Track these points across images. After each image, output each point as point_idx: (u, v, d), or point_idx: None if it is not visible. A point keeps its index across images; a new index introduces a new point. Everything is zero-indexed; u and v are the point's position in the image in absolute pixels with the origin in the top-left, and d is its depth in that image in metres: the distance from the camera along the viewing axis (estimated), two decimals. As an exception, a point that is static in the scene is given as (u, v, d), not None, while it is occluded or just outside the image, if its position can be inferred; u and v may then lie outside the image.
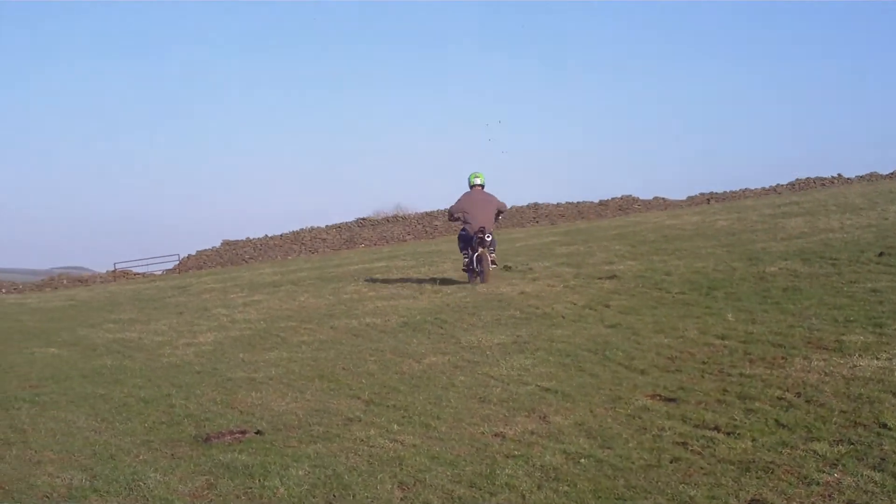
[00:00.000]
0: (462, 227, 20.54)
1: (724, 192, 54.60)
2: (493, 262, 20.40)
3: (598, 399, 10.38)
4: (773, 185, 54.54)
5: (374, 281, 23.11)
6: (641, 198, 55.76)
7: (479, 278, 20.16)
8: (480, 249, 19.94)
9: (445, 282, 21.17)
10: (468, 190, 20.82)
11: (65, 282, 51.81)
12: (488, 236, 20.00)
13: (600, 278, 18.79)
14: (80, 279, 54.02)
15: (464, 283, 20.46)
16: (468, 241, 20.31)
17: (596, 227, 33.98)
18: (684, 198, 54.83)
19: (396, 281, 22.47)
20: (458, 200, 20.70)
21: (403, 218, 57.12)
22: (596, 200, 56.23)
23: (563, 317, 15.47)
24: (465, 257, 20.65)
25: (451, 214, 21.06)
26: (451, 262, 25.52)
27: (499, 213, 20.88)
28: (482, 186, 20.83)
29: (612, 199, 55.84)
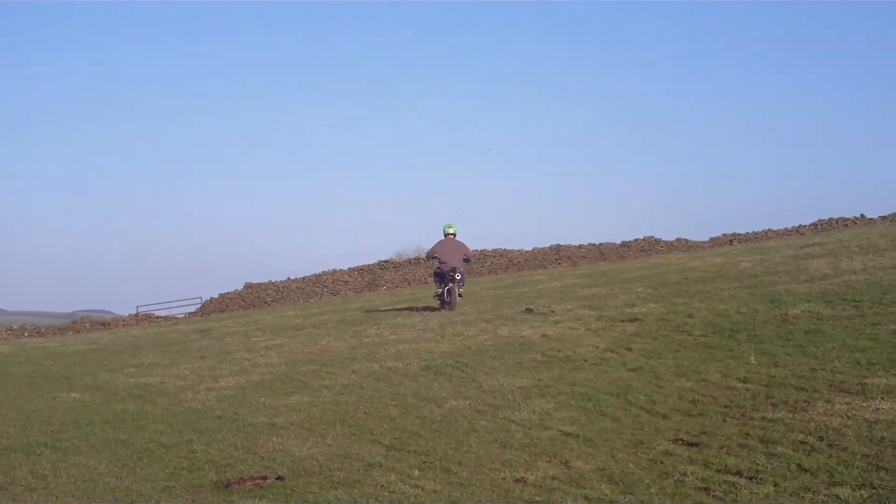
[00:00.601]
0: (437, 266, 25.52)
1: (747, 233, 54.54)
2: (459, 295, 25.31)
3: (620, 444, 10.35)
4: (796, 225, 54.49)
5: (394, 324, 23.08)
6: (664, 239, 55.72)
7: (447, 307, 24.87)
8: (451, 284, 24.85)
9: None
10: (443, 237, 25.70)
11: (87, 325, 51.95)
12: (458, 275, 24.89)
13: (622, 321, 18.73)
14: (103, 322, 54.16)
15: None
16: (443, 277, 25.19)
17: (618, 269, 33.91)
18: (707, 239, 54.78)
19: (418, 323, 22.43)
20: (435, 245, 25.54)
21: (425, 260, 57.17)
22: (618, 242, 56.24)
23: (585, 360, 15.44)
24: (438, 289, 25.60)
25: (429, 255, 26.05)
26: (473, 304, 25.49)
27: (467, 259, 25.72)
28: (454, 235, 25.69)
29: (635, 240, 55.81)
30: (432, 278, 27.13)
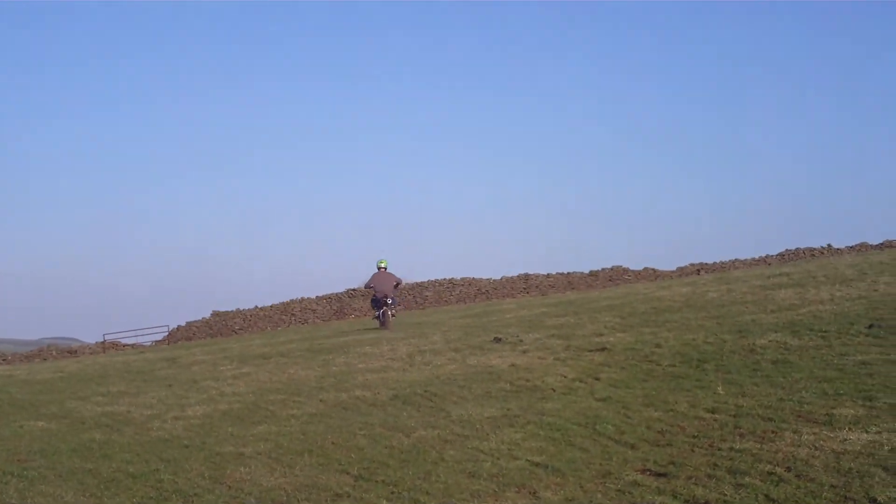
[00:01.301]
0: (373, 294, 31.98)
1: (714, 262, 54.75)
2: (392, 315, 31.78)
3: (589, 474, 10.35)
4: (763, 255, 54.76)
5: (363, 353, 23.04)
6: (631, 268, 55.88)
7: (383, 326, 31.06)
8: (384, 308, 31.39)
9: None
10: (376, 270, 31.81)
11: (54, 353, 51.70)
12: (390, 300, 31.48)
13: (591, 351, 18.76)
14: (70, 350, 53.90)
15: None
16: (378, 303, 31.80)
17: (586, 299, 33.95)
18: (674, 269, 54.97)
19: (387, 352, 22.41)
20: (371, 277, 31.80)
21: (393, 288, 57.21)
22: (586, 271, 56.36)
23: (554, 390, 15.45)
24: (375, 312, 32.34)
25: (366, 286, 32.63)
26: (441, 333, 25.50)
27: (397, 284, 32.23)
28: (385, 268, 31.78)
29: (603, 269, 55.95)
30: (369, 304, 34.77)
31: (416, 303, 54.89)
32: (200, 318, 57.08)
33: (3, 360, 49.78)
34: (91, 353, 50.42)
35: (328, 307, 55.89)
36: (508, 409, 14.16)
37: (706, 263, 54.71)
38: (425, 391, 16.46)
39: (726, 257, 55.64)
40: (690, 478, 9.73)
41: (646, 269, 55.69)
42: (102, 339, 55.31)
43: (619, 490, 9.61)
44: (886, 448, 9.89)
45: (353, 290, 57.17)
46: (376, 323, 32.53)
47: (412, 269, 60.24)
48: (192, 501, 10.50)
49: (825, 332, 17.37)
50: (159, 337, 56.73)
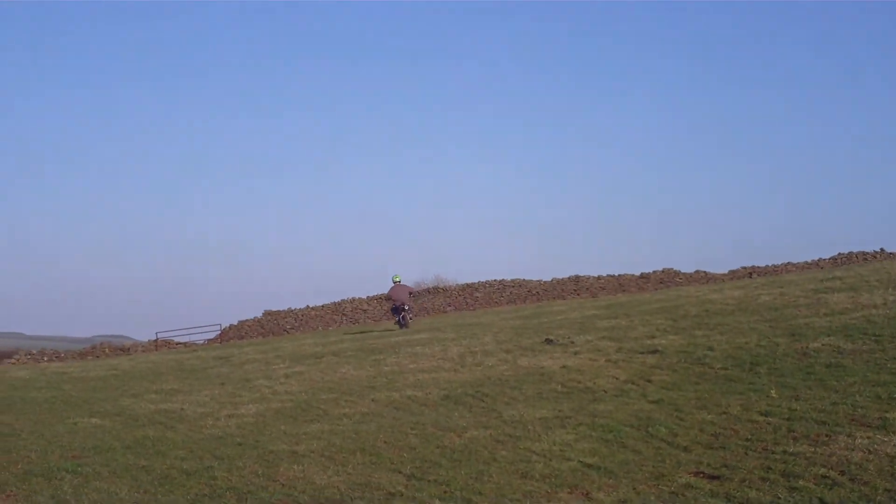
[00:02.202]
0: (393, 303, 37.12)
1: (766, 265, 54.40)
2: (410, 318, 37.08)
3: (641, 476, 10.34)
4: (816, 259, 54.39)
5: (414, 353, 23.06)
6: (683, 271, 55.60)
7: (404, 327, 35.60)
8: (403, 313, 36.20)
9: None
10: (392, 283, 37.07)
11: (107, 351, 51.93)
12: (407, 307, 36.48)
13: (642, 353, 18.70)
14: (122, 348, 54.13)
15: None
16: (397, 310, 36.66)
17: (637, 301, 33.80)
18: (726, 271, 54.63)
19: (438, 353, 22.43)
20: (389, 290, 37.22)
21: (444, 289, 57.14)
22: (637, 273, 56.14)
23: (606, 392, 15.43)
24: (395, 317, 37.16)
25: (386, 297, 39.96)
26: (492, 334, 25.49)
27: (411, 293, 38.11)
28: (399, 281, 37.04)
29: (654, 272, 55.71)
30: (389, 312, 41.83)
31: (467, 304, 54.86)
32: (252, 318, 57.27)
33: (57, 357, 50.04)
34: (144, 351, 50.63)
35: (379, 307, 55.90)
36: (560, 411, 14.16)
37: (758, 266, 54.35)
38: (477, 392, 16.48)
39: (778, 260, 55.38)
40: (744, 481, 9.71)
41: (697, 271, 55.41)
42: (155, 338, 55.53)
43: (672, 492, 9.59)
44: (941, 453, 9.83)
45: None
46: (396, 327, 36.97)
47: (424, 278, 59.80)
48: (246, 499, 10.55)
49: (878, 336, 17.24)
50: (211, 335, 56.86)
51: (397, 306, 36.71)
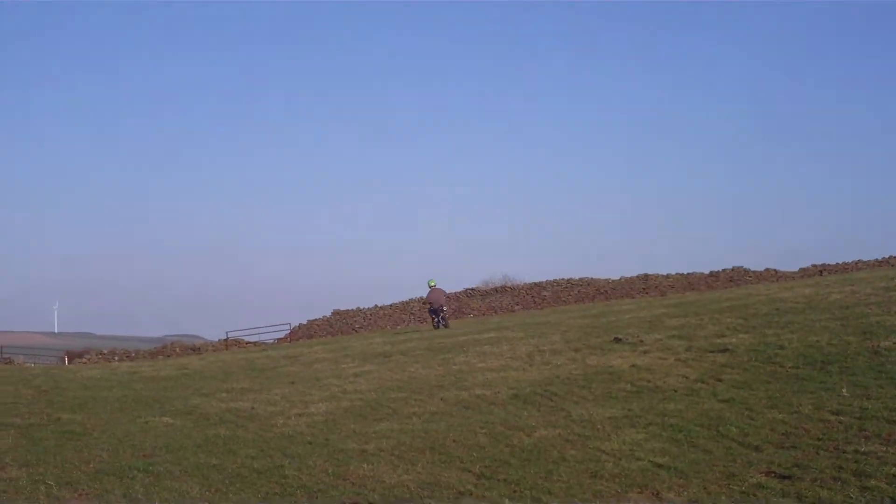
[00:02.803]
0: (430, 306, 40.73)
1: (837, 263, 53.94)
2: (447, 318, 40.47)
3: (712, 476, 10.30)
4: (887, 256, 53.84)
5: (482, 352, 23.07)
6: (753, 269, 55.23)
7: (441, 327, 39.03)
8: (441, 314, 39.85)
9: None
10: (429, 288, 40.52)
11: (177, 350, 52.48)
12: (444, 309, 40.31)
13: (712, 351, 18.59)
14: (193, 347, 54.67)
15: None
16: (435, 312, 40.22)
17: (707, 299, 33.56)
18: (796, 269, 54.24)
19: (506, 351, 22.42)
20: (428, 294, 40.84)
21: (512, 288, 57.08)
22: (706, 272, 55.84)
23: (676, 391, 15.37)
24: (434, 318, 40.53)
25: (425, 301, 43.21)
26: (561, 333, 25.43)
27: (447, 297, 42.42)
28: (435, 286, 40.42)
29: (723, 270, 55.40)
30: (427, 312, 44.25)
31: (534, 302, 54.84)
32: (321, 317, 57.55)
33: (128, 357, 50.63)
34: (214, 351, 51.06)
35: (447, 306, 56.02)
36: (630, 410, 14.12)
37: (828, 264, 53.94)
38: (545, 391, 16.47)
39: (849, 258, 54.83)
40: (815, 480, 9.64)
41: (767, 269, 55.05)
42: (225, 337, 55.96)
43: (743, 492, 9.55)
44: None
45: (472, 289, 57.30)
46: (433, 328, 40.27)
47: (491, 277, 59.83)
48: (316, 497, 10.61)
49: (951, 334, 17.06)
50: (281, 335, 57.16)
51: (435, 308, 40.48)
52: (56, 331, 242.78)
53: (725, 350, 18.53)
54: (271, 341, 55.44)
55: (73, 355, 56.20)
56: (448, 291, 44.78)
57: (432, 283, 40.74)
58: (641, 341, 21.38)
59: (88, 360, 50.25)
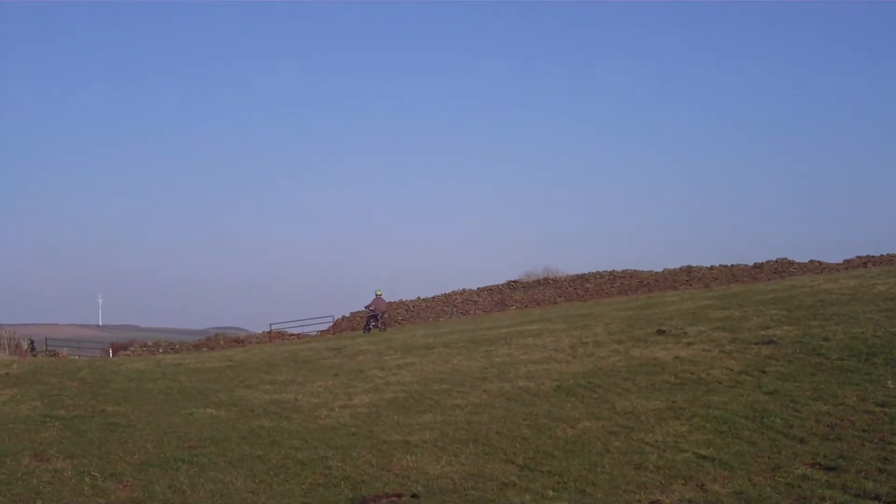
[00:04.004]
0: (372, 312, 45.01)
1: (881, 255, 53.50)
2: (383, 324, 45.78)
3: (757, 467, 10.27)
4: (932, 247, 53.42)
5: (525, 344, 23.05)
6: (797, 261, 54.88)
7: (375, 330, 43.93)
8: (379, 320, 44.97)
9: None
10: (375, 296, 45.39)
11: (221, 342, 52.57)
12: (384, 315, 45.86)
13: (757, 343, 18.50)
14: (237, 339, 54.75)
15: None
16: (375, 317, 45.00)
17: (751, 291, 33.34)
18: (840, 261, 53.82)
19: (549, 343, 22.40)
20: (373, 300, 45.21)
21: (554, 280, 56.95)
22: (750, 263, 55.50)
23: (720, 383, 15.32)
24: (370, 323, 45.42)
25: (367, 307, 46.15)
26: (604, 325, 25.37)
27: (386, 306, 47.80)
28: (381, 295, 45.75)
29: (767, 262, 55.03)
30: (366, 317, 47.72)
31: (577, 295, 54.69)
32: (364, 309, 57.60)
33: (172, 349, 50.77)
34: (258, 343, 51.12)
35: (489, 299, 55.91)
36: (674, 402, 14.09)
37: (873, 256, 53.45)
38: (589, 382, 16.46)
39: (894, 249, 54.36)
40: (861, 472, 9.60)
41: (811, 261, 54.64)
42: (269, 329, 56.05)
43: (788, 484, 9.52)
44: None
45: (515, 281, 57.21)
46: (365, 331, 45.41)
47: (533, 269, 59.56)
48: (360, 488, 10.65)
49: None
50: (324, 327, 57.18)
51: (376, 314, 45.48)
52: (101, 323, 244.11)
53: (770, 342, 18.45)
54: (315, 333, 55.50)
55: (118, 347, 56.38)
56: (387, 303, 49.73)
57: (378, 293, 46.22)
58: (685, 333, 21.31)
59: (133, 352, 50.44)
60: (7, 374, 23.61)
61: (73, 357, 47.43)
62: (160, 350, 50.34)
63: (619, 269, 56.06)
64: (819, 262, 54.28)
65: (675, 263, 56.54)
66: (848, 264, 52.52)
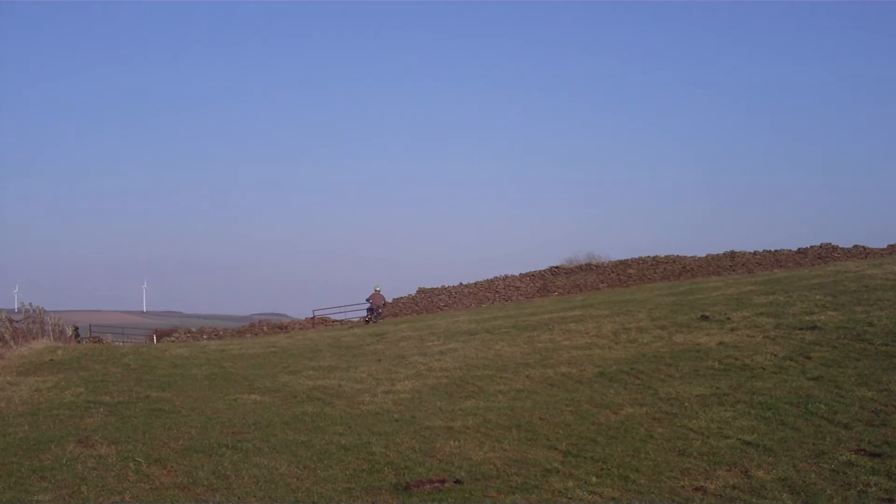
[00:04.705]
0: (371, 305, 47.75)
1: (927, 239, 53.12)
2: (382, 318, 47.78)
3: (801, 453, 10.21)
4: (979, 232, 52.99)
5: (567, 330, 23.02)
6: (841, 246, 54.51)
7: (373, 322, 45.73)
8: (377, 313, 47.23)
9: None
10: (374, 291, 47.80)
11: (265, 328, 52.75)
12: (380, 309, 47.90)
13: (801, 329, 18.41)
14: (280, 326, 54.89)
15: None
16: (372, 311, 47.58)
17: (795, 277, 33.17)
18: (885, 246, 53.45)
19: (591, 329, 22.37)
20: (371, 295, 47.82)
21: (597, 266, 56.76)
22: (794, 249, 55.19)
23: (764, 368, 15.25)
24: (368, 316, 48.22)
25: (367, 299, 48.22)
26: (647, 310, 25.30)
27: (384, 303, 49.10)
28: (379, 291, 47.81)
29: (811, 247, 54.68)
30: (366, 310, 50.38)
31: (620, 280, 54.50)
32: (406, 295, 57.62)
33: (216, 335, 50.99)
34: (301, 329, 51.27)
35: (531, 284, 55.78)
36: (717, 388, 14.04)
37: (919, 240, 53.07)
38: (632, 368, 16.43)
39: (940, 234, 53.95)
40: (906, 458, 9.54)
41: (855, 246, 54.24)
42: (312, 315, 56.17)
43: (832, 470, 9.46)
44: None
45: (557, 267, 57.07)
46: (365, 321, 48.62)
47: (576, 255, 59.29)
48: (404, 474, 10.66)
49: None
50: (367, 313, 57.37)
51: (373, 308, 47.95)
52: (145, 310, 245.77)
53: (814, 327, 18.36)
54: (357, 319, 55.67)
55: (162, 334, 56.72)
56: (386, 299, 51.54)
57: (378, 288, 48.36)
58: (729, 319, 21.23)
59: (177, 338, 50.72)
60: (52, 360, 23.82)
61: (117, 343, 47.76)
62: (204, 336, 50.58)
63: (662, 255, 55.78)
64: (863, 247, 53.86)
65: (718, 249, 56.31)
66: (893, 249, 52.12)
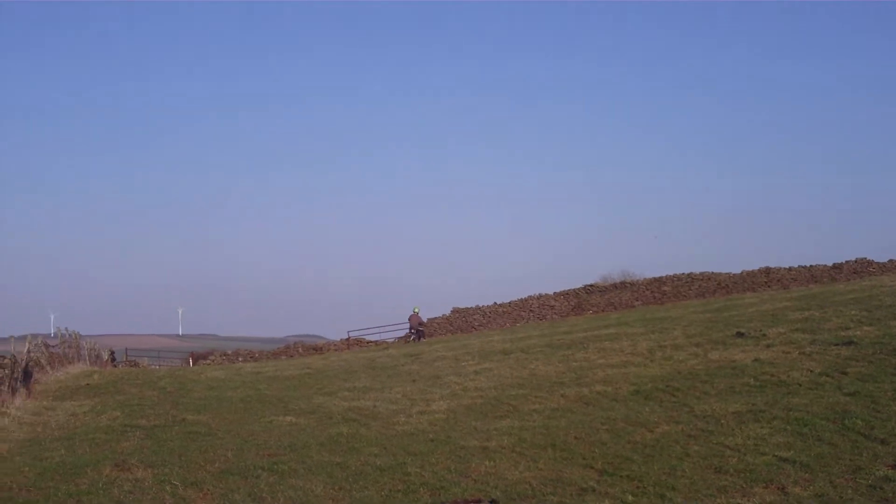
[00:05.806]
0: (410, 325, 50.43)
1: (963, 253, 52.75)
2: (422, 337, 49.24)
3: (838, 469, 10.18)
4: None
5: (602, 348, 23.00)
6: (876, 261, 54.24)
7: (415, 342, 47.28)
8: (416, 334, 49.26)
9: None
10: (413, 312, 50.85)
11: (300, 350, 52.84)
12: (421, 328, 50.05)
13: (837, 344, 18.32)
14: (315, 347, 54.98)
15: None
16: (411, 330, 49.73)
17: (830, 292, 33.04)
18: (922, 260, 53.18)
19: (626, 347, 22.33)
20: (409, 317, 50.75)
21: (631, 284, 56.59)
22: (829, 264, 54.95)
23: (800, 384, 15.20)
24: (410, 335, 50.45)
25: (409, 321, 51.05)
26: (681, 328, 25.24)
27: (421, 323, 51.07)
28: (418, 312, 50.76)
29: (847, 262, 54.44)
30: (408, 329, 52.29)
31: (654, 298, 54.33)
32: (441, 315, 57.62)
33: (251, 357, 51.10)
34: (336, 350, 51.33)
35: (566, 303, 55.65)
36: (753, 404, 13.99)
37: (956, 255, 52.76)
38: (667, 386, 16.39)
39: (977, 248, 53.64)
40: (945, 474, 9.50)
41: (891, 260, 53.98)
42: (347, 336, 56.25)
43: (869, 486, 9.43)
44: None
45: (591, 285, 56.96)
46: (406, 340, 51.03)
47: (610, 273, 59.12)
48: (439, 494, 10.68)
49: None
50: (401, 334, 57.38)
51: (413, 328, 50.41)
52: (181, 333, 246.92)
53: (850, 343, 18.26)
54: (392, 340, 55.71)
55: (198, 357, 56.89)
56: (424, 320, 53.25)
57: (416, 310, 51.26)
58: (764, 335, 21.15)
59: (212, 361, 50.87)
60: (88, 384, 23.94)
61: (153, 367, 47.98)
62: (239, 359, 50.72)
63: (697, 272, 55.61)
64: (899, 261, 53.56)
65: (753, 265, 55.94)
66: (929, 263, 51.85)
